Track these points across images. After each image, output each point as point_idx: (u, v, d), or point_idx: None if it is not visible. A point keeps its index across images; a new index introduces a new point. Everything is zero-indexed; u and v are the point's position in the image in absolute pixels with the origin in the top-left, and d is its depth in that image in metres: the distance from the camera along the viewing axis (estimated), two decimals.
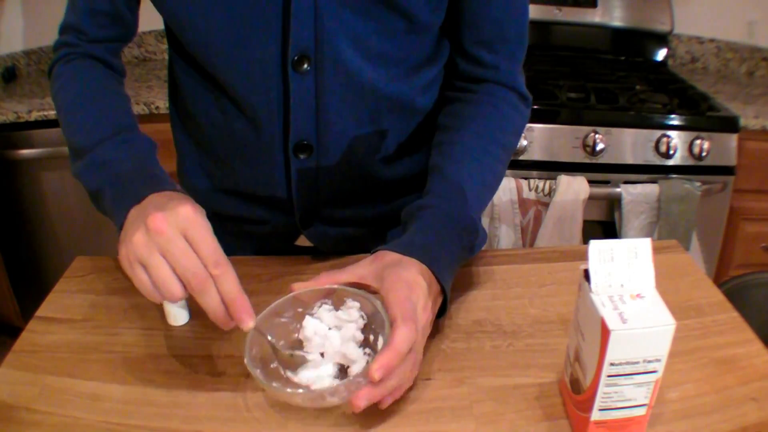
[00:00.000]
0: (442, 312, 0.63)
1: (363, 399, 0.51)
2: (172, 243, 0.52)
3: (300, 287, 0.60)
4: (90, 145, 0.66)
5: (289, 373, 0.57)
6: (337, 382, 0.55)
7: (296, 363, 0.57)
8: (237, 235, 0.85)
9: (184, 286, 0.53)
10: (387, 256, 0.61)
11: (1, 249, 1.89)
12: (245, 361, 0.53)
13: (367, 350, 0.57)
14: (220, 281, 0.52)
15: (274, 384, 0.53)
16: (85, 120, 0.70)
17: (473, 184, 0.70)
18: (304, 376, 0.56)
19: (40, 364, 0.62)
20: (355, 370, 0.56)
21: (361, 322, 0.58)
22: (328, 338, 0.57)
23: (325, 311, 0.59)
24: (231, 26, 0.66)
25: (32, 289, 1.94)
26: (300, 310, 0.60)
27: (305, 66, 0.68)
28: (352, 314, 0.58)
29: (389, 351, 0.51)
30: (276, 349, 0.57)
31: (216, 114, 0.75)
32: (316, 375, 0.56)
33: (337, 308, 0.59)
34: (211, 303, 0.53)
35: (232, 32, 0.66)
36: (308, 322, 0.58)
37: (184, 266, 0.52)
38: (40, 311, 0.70)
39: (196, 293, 0.52)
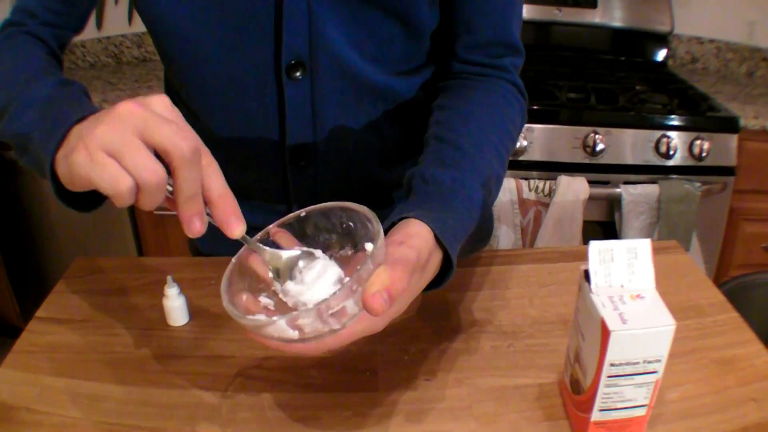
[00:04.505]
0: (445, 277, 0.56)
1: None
2: (151, 120, 0.43)
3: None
4: (18, 95, 0.58)
5: (289, 285, 0.51)
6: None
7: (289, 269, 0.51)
8: (233, 241, 0.84)
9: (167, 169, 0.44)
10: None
11: (1, 249, 1.88)
12: (225, 301, 0.47)
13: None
14: (204, 174, 0.45)
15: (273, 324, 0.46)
16: (16, 82, 0.61)
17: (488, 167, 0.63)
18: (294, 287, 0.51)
19: (40, 364, 0.62)
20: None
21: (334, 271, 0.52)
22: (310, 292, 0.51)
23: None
24: (223, 32, 0.65)
25: (32, 289, 1.94)
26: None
27: (299, 71, 0.67)
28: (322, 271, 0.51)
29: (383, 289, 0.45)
30: (268, 254, 0.51)
31: (214, 120, 0.75)
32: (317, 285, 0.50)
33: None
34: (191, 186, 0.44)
35: (225, 38, 0.66)
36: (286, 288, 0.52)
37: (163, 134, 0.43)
38: (40, 311, 0.70)
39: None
